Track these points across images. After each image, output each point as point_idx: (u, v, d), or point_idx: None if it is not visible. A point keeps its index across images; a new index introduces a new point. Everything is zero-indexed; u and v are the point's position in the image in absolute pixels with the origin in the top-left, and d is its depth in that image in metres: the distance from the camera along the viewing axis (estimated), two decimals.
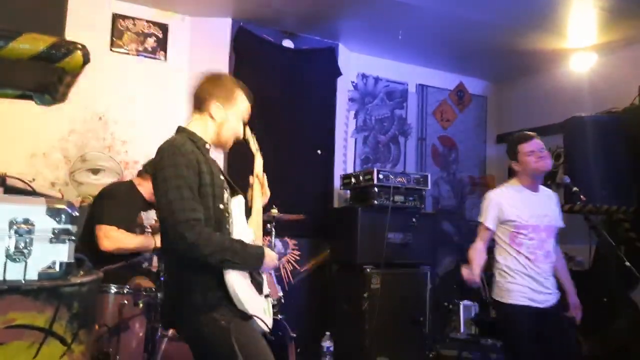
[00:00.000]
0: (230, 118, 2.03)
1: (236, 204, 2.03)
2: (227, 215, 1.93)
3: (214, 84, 2.03)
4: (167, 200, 1.75)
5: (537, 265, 2.92)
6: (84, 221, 3.18)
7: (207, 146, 2.00)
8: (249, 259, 1.85)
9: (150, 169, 3.26)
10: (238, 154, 2.54)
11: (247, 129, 2.23)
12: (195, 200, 1.79)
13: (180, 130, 2.00)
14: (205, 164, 1.89)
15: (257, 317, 1.87)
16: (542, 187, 3.10)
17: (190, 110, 2.07)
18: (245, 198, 2.14)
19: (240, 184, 2.15)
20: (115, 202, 3.10)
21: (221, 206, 1.89)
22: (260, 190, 2.22)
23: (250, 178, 2.25)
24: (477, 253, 2.97)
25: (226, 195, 1.98)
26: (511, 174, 3.16)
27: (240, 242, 1.87)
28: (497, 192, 3.04)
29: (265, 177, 2.25)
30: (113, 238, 2.95)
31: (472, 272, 2.92)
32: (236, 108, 2.04)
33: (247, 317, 1.84)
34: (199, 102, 2.01)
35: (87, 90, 4.01)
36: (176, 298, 1.86)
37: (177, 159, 1.80)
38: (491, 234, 3.00)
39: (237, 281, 1.80)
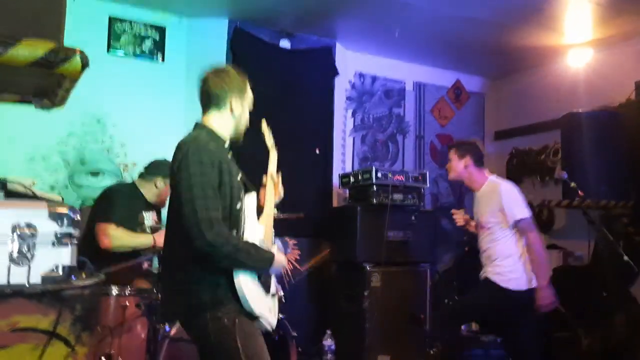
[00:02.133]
0: (245, 110, 2.09)
1: (249, 200, 2.07)
2: (242, 215, 1.97)
3: (228, 79, 2.05)
4: (191, 197, 1.78)
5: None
6: (86, 222, 3.20)
7: (226, 145, 2.04)
8: (259, 262, 1.90)
9: (153, 171, 3.30)
10: (248, 152, 2.55)
11: (264, 122, 2.32)
12: (217, 200, 1.83)
13: (200, 127, 2.03)
14: (225, 163, 1.92)
15: (262, 317, 1.90)
16: (487, 184, 3.42)
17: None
18: (258, 195, 2.17)
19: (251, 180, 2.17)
20: (116, 202, 3.12)
21: (238, 206, 1.94)
22: (273, 189, 2.25)
23: (264, 177, 2.27)
24: None
25: (242, 194, 2.01)
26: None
27: (253, 245, 1.92)
28: None
29: (280, 175, 2.30)
30: (111, 236, 2.96)
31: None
32: (247, 99, 2.09)
33: (252, 317, 1.88)
34: (217, 99, 2.02)
35: (85, 93, 3.97)
36: (184, 294, 1.88)
37: (202, 156, 1.85)
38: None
39: (245, 282, 1.84)
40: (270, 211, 2.20)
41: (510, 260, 3.20)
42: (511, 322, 3.33)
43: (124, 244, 3.00)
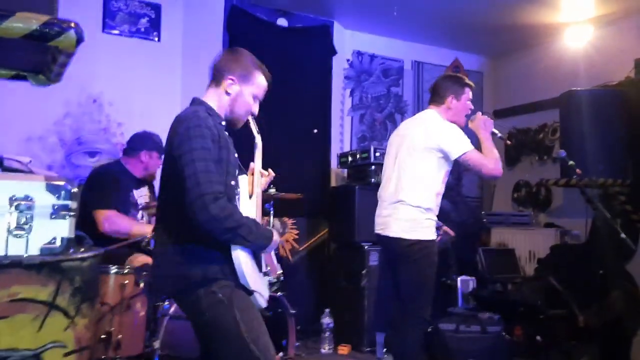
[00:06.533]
0: (245, 94, 2.04)
1: (242, 182, 2.04)
2: (237, 192, 1.95)
3: (233, 59, 2.06)
4: (194, 171, 1.75)
5: None
6: (79, 204, 3.18)
7: (223, 123, 2.01)
8: (259, 239, 1.86)
9: (136, 146, 3.28)
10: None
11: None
12: (219, 174, 1.81)
13: (197, 102, 2.02)
14: (223, 139, 1.91)
15: (258, 292, 1.90)
16: None
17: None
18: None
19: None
20: (110, 185, 3.10)
21: (232, 182, 1.91)
22: (260, 177, 2.19)
23: (251, 164, 2.23)
24: None
25: (237, 172, 2.00)
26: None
27: (254, 221, 1.88)
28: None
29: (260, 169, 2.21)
30: (113, 222, 2.97)
31: None
32: (252, 85, 2.06)
33: (248, 292, 1.87)
34: (217, 76, 2.03)
35: (81, 72, 3.97)
36: (175, 269, 1.85)
37: (203, 130, 1.82)
38: None
39: (241, 256, 1.83)
40: (258, 198, 2.15)
41: None
42: None
43: (124, 231, 2.99)
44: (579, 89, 4.42)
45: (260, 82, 2.09)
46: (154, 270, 1.97)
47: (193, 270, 1.82)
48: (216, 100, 2.02)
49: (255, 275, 1.91)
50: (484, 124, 3.01)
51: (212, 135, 1.84)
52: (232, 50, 2.13)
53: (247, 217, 1.85)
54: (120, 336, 2.66)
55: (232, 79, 2.01)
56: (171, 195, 1.87)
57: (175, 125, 1.89)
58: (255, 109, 2.10)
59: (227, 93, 2.02)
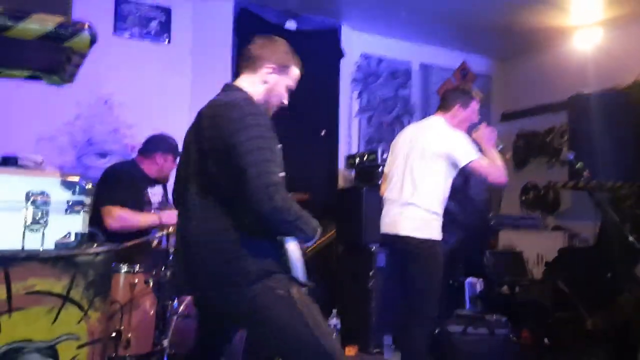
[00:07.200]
0: (280, 84, 2.00)
1: None
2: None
3: (272, 47, 2.00)
4: (255, 160, 1.68)
5: None
6: (92, 203, 3.21)
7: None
8: (311, 231, 1.79)
9: (152, 148, 3.31)
10: None
11: None
12: (278, 164, 1.74)
13: (235, 88, 1.95)
14: (271, 128, 1.83)
15: (307, 285, 1.85)
16: None
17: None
18: None
19: None
20: (119, 182, 3.10)
21: (282, 174, 1.78)
22: None
23: None
24: None
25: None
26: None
27: (306, 212, 1.79)
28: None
29: None
30: (117, 217, 2.96)
31: None
32: (287, 77, 2.02)
33: (300, 285, 1.83)
34: (253, 62, 1.97)
35: (92, 74, 4.02)
36: (224, 263, 1.75)
37: (259, 118, 1.76)
38: None
39: (294, 249, 1.79)
40: None
41: None
42: None
43: (130, 224, 3.00)
44: (587, 91, 4.42)
45: (294, 73, 2.04)
46: (195, 265, 1.81)
47: (249, 264, 1.73)
48: (251, 87, 1.95)
49: (303, 268, 1.84)
50: (488, 136, 3.08)
51: (267, 123, 1.78)
52: (269, 37, 2.04)
53: (301, 209, 1.77)
54: (129, 334, 2.69)
55: (270, 68, 1.96)
56: (218, 184, 1.77)
57: (221, 112, 1.79)
58: (286, 100, 2.06)
59: (265, 82, 1.97)
